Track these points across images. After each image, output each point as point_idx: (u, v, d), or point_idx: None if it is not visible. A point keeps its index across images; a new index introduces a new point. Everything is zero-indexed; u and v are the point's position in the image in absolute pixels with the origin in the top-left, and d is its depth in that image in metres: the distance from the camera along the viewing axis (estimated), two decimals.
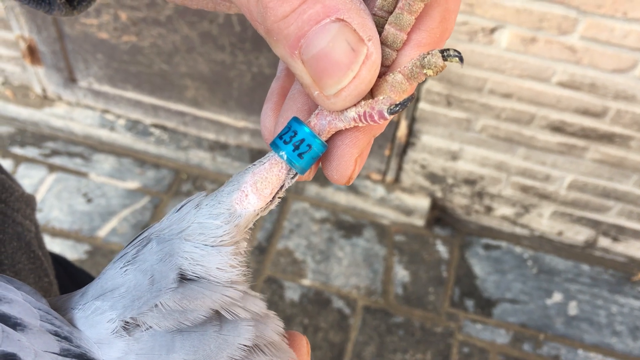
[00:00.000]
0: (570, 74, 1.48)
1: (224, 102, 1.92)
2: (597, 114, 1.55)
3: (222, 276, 0.24)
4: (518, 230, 1.97)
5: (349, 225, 1.97)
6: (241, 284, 0.24)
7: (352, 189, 1.97)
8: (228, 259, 0.24)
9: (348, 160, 0.25)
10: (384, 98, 0.22)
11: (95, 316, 0.24)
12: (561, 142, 1.65)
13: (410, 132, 1.78)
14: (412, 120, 1.74)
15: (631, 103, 1.51)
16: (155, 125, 2.05)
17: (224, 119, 1.96)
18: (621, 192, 1.74)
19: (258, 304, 0.24)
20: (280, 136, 0.24)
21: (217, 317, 0.24)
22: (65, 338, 0.23)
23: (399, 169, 1.91)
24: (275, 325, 0.24)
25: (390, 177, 1.94)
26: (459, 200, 1.94)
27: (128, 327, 0.24)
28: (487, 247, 1.97)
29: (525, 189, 1.83)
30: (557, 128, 1.62)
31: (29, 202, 0.52)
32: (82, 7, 0.38)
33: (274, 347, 0.24)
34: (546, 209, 1.87)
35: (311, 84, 0.22)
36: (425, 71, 0.23)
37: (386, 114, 0.22)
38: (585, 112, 1.56)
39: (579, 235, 1.92)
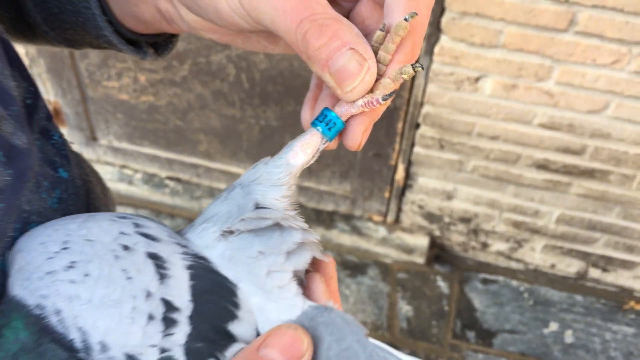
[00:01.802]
0: (549, 116, 1.64)
1: (235, 153, 2.07)
2: (577, 152, 1.71)
3: (280, 204, 0.38)
4: (513, 264, 2.09)
5: (353, 265, 2.10)
6: (290, 210, 0.39)
7: (356, 230, 2.10)
8: (283, 193, 0.38)
9: (358, 132, 0.40)
10: (379, 92, 0.37)
11: (203, 232, 0.38)
12: (546, 179, 1.80)
13: (408, 175, 1.92)
14: (409, 164, 1.89)
15: (607, 140, 1.66)
16: (170, 178, 2.20)
17: (234, 169, 2.11)
18: (606, 224, 1.88)
19: (301, 222, 0.38)
20: (317, 119, 0.40)
21: (279, 226, 0.38)
22: (184, 246, 0.37)
23: (399, 210, 2.05)
24: (313, 235, 0.38)
25: (390, 218, 2.07)
26: (456, 237, 2.07)
27: (225, 234, 0.37)
28: (485, 281, 2.09)
29: (517, 225, 1.97)
30: (542, 166, 1.77)
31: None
32: (165, 54, 0.53)
33: (314, 245, 0.38)
34: (538, 243, 2.00)
35: (335, 87, 0.38)
36: (402, 76, 0.37)
37: (381, 100, 0.37)
38: (566, 150, 1.71)
39: (570, 267, 2.04)
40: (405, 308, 2.00)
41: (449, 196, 1.94)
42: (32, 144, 0.38)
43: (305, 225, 0.38)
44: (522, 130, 1.70)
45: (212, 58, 1.82)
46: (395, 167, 1.92)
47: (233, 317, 0.34)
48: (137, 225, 0.36)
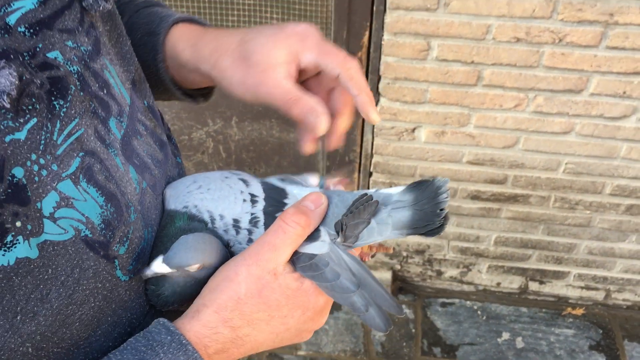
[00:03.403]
0: (474, 154, 2.03)
1: None
2: (501, 181, 2.09)
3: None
4: (465, 287, 2.43)
5: None
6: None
7: None
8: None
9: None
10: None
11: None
12: (480, 207, 2.17)
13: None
14: None
15: (522, 169, 2.05)
16: None
17: None
18: (535, 240, 2.24)
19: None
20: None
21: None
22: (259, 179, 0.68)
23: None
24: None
25: None
26: (414, 269, 2.40)
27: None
28: (444, 304, 2.41)
29: (463, 251, 2.32)
30: (475, 196, 2.14)
31: None
32: (209, 98, 0.84)
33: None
34: (483, 265, 2.35)
35: (308, 126, 0.62)
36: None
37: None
38: (492, 181, 2.09)
39: (512, 283, 2.39)
40: (378, 335, 2.29)
41: None
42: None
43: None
44: (454, 168, 2.08)
45: (193, 135, 2.17)
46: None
47: (285, 196, 0.65)
48: (231, 171, 0.68)
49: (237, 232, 0.60)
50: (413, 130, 2.01)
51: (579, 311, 2.39)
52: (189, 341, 0.50)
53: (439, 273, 2.40)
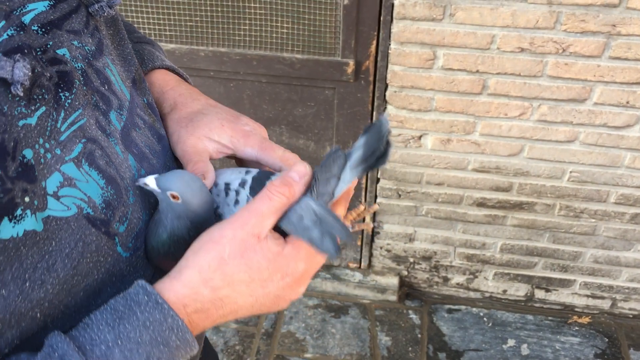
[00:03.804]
0: (479, 161, 2.07)
1: None
2: (506, 189, 2.12)
3: None
4: (472, 294, 2.45)
5: (337, 307, 2.43)
6: None
7: (336, 277, 2.45)
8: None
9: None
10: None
11: None
12: (486, 214, 2.20)
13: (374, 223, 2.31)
14: (374, 214, 2.28)
15: (527, 177, 2.08)
16: None
17: None
18: (540, 248, 2.27)
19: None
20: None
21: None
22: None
23: (370, 255, 2.41)
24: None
25: (364, 263, 2.44)
26: (421, 275, 2.43)
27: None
28: (450, 311, 2.44)
29: (469, 258, 2.35)
30: (481, 204, 2.17)
31: None
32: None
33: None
34: (489, 272, 2.37)
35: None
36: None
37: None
38: (497, 188, 2.13)
39: (519, 291, 2.41)
40: (384, 339, 2.33)
41: (411, 238, 2.32)
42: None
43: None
44: (460, 175, 2.11)
45: None
46: (363, 218, 2.30)
47: (272, 175, 0.67)
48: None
49: (227, 195, 0.64)
50: (419, 137, 2.05)
51: (585, 320, 2.41)
52: (166, 300, 0.53)
53: (446, 279, 2.43)
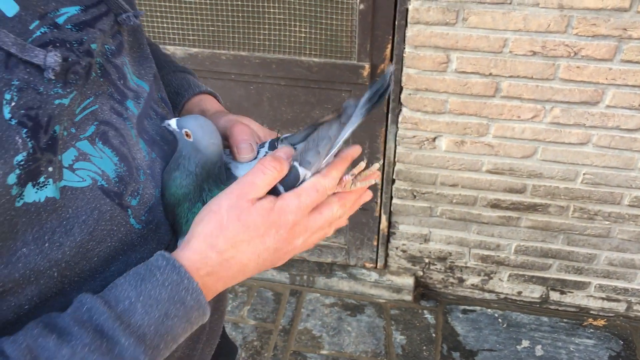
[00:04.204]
0: (493, 163, 2.11)
1: None
2: (520, 190, 2.15)
3: None
4: (487, 295, 2.48)
5: (353, 306, 2.48)
6: None
7: (352, 277, 2.50)
8: None
9: None
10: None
11: None
12: (500, 216, 2.23)
13: (390, 224, 2.36)
14: (390, 214, 2.33)
15: (541, 179, 2.11)
16: None
17: None
18: (555, 250, 2.29)
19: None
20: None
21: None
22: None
23: (386, 255, 2.46)
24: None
25: (380, 263, 2.48)
26: (436, 275, 2.47)
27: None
28: (465, 311, 2.47)
29: (484, 259, 2.38)
30: (495, 205, 2.21)
31: None
32: None
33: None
34: (504, 273, 2.40)
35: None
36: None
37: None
38: (511, 190, 2.16)
39: (534, 293, 2.43)
40: (399, 338, 2.37)
41: (426, 239, 2.37)
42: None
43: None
44: (474, 176, 2.15)
45: None
46: (379, 218, 2.35)
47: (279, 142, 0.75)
48: None
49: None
50: (434, 139, 2.09)
51: (600, 322, 2.42)
52: (182, 264, 0.60)
53: (461, 280, 2.46)
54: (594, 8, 1.74)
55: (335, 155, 0.70)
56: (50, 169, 0.54)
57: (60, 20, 0.57)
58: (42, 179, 0.53)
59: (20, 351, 0.51)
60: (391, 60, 1.98)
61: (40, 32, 0.55)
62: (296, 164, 0.67)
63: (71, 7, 0.59)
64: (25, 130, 0.51)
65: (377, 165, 0.75)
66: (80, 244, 0.57)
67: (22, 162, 0.51)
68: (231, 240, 0.62)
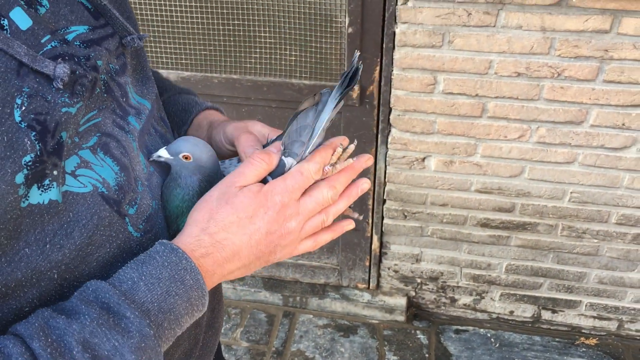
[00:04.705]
0: (482, 182, 2.14)
1: None
2: (509, 209, 2.18)
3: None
4: (479, 315, 2.49)
5: (346, 327, 2.48)
6: None
7: (345, 298, 2.51)
8: None
9: None
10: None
11: None
12: (491, 235, 2.25)
13: (382, 244, 2.38)
14: (381, 234, 2.35)
15: (529, 198, 2.14)
16: None
17: None
18: (545, 269, 2.31)
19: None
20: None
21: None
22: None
23: (378, 276, 2.47)
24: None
25: (372, 284, 2.50)
26: (428, 295, 2.48)
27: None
28: (457, 331, 2.48)
29: (475, 278, 2.39)
30: (485, 224, 2.23)
31: None
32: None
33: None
34: (495, 293, 2.41)
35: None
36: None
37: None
38: (500, 209, 2.19)
39: (525, 312, 2.44)
40: (392, 358, 2.37)
41: (417, 259, 2.38)
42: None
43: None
44: (463, 196, 2.18)
45: None
46: (371, 239, 2.37)
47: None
48: None
49: (238, 162, 0.79)
50: (423, 159, 2.13)
51: (593, 341, 2.43)
52: (179, 247, 0.65)
53: (453, 300, 2.47)
54: (575, 30, 1.79)
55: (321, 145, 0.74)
56: (55, 172, 0.57)
57: (70, 37, 0.62)
58: (47, 182, 0.56)
59: (34, 329, 0.55)
60: (380, 81, 2.02)
61: (51, 45, 0.59)
62: (283, 157, 0.71)
63: (80, 26, 0.64)
64: (33, 133, 0.54)
65: (352, 147, 0.77)
66: (80, 247, 0.60)
67: (29, 163, 0.54)
68: (221, 222, 0.66)
